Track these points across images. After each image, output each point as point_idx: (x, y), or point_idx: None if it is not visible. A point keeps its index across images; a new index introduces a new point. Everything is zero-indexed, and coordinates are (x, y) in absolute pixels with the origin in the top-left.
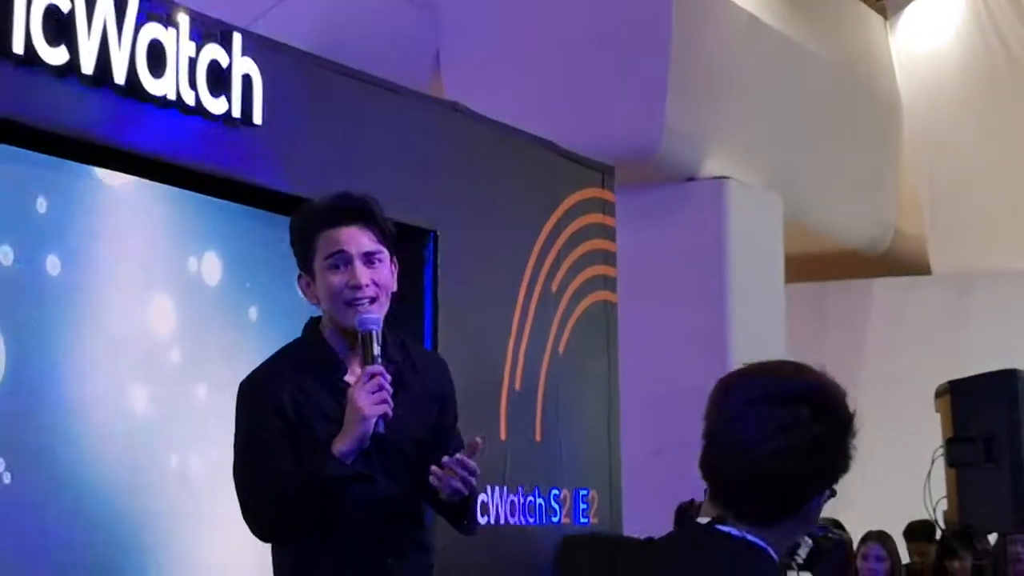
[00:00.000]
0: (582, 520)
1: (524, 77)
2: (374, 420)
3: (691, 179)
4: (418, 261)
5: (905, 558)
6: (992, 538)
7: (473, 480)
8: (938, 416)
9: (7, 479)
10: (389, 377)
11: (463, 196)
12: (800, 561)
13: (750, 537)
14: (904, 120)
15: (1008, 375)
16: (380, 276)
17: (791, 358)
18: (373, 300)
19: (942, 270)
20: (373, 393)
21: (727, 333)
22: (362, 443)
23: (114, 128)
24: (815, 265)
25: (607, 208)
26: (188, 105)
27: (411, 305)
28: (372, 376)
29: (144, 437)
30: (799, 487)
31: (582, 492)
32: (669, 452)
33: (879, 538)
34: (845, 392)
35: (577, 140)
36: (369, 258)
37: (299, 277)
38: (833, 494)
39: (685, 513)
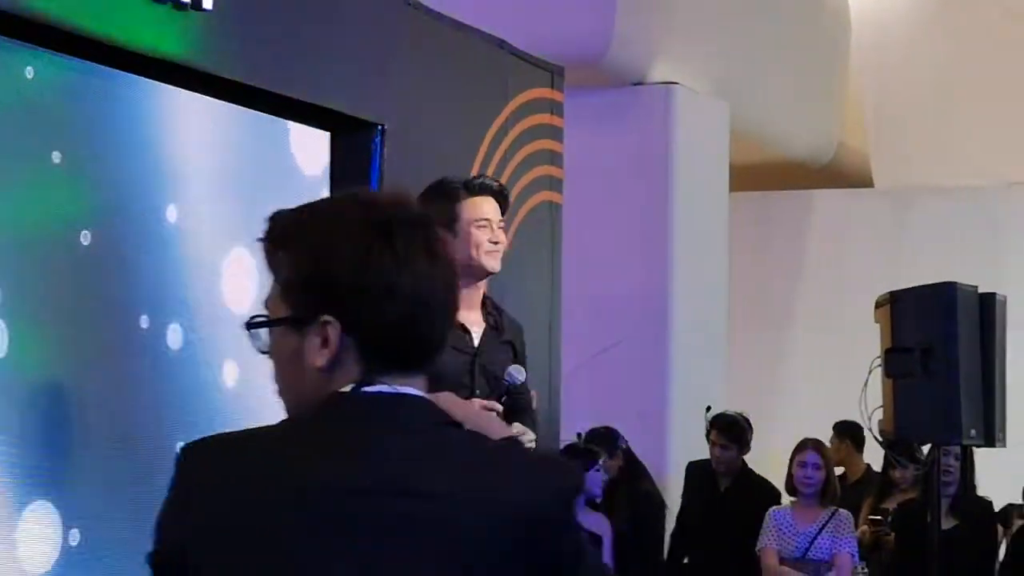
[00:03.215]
0: None
1: None
2: None
3: (638, 84)
4: (365, 154)
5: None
6: (926, 449)
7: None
8: (875, 328)
9: None
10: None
11: (412, 90)
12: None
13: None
14: (852, 34)
15: (947, 288)
16: (504, 239)
17: (732, 266)
18: (499, 252)
19: (884, 184)
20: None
21: (670, 239)
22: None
23: (59, 9)
24: (759, 174)
25: (555, 108)
26: None
27: None
28: (490, 408)
29: None
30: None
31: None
32: (608, 354)
33: (815, 446)
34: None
35: (526, 41)
36: (500, 224)
37: None
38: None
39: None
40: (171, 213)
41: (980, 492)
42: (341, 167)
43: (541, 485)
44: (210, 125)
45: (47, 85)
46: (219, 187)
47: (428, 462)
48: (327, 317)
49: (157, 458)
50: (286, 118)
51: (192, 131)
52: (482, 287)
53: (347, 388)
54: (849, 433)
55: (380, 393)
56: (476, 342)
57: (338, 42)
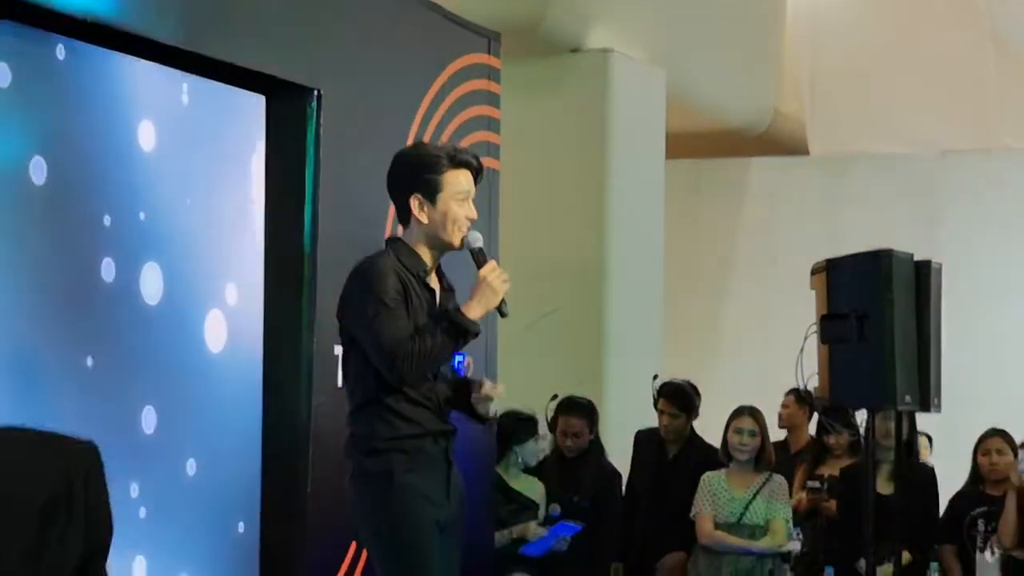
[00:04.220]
0: None
1: None
2: (501, 296)
3: (575, 51)
4: (300, 119)
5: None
6: (861, 414)
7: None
8: (810, 295)
9: None
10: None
11: (348, 56)
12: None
13: None
14: (788, 2)
15: (882, 255)
16: (476, 215)
17: (668, 234)
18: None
19: (819, 151)
20: (502, 280)
21: (606, 206)
22: (487, 312)
23: None
24: (695, 142)
25: (492, 74)
26: None
27: (292, 164)
28: (496, 269)
29: None
30: None
31: (458, 357)
32: (545, 321)
33: (751, 413)
34: None
35: (462, 6)
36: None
37: (412, 196)
38: None
39: None
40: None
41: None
42: (277, 132)
43: (40, 471)
44: None
45: None
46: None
47: None
48: None
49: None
50: (221, 82)
51: None
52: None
53: None
54: (809, 401)
55: None
56: (437, 302)
57: (274, 6)
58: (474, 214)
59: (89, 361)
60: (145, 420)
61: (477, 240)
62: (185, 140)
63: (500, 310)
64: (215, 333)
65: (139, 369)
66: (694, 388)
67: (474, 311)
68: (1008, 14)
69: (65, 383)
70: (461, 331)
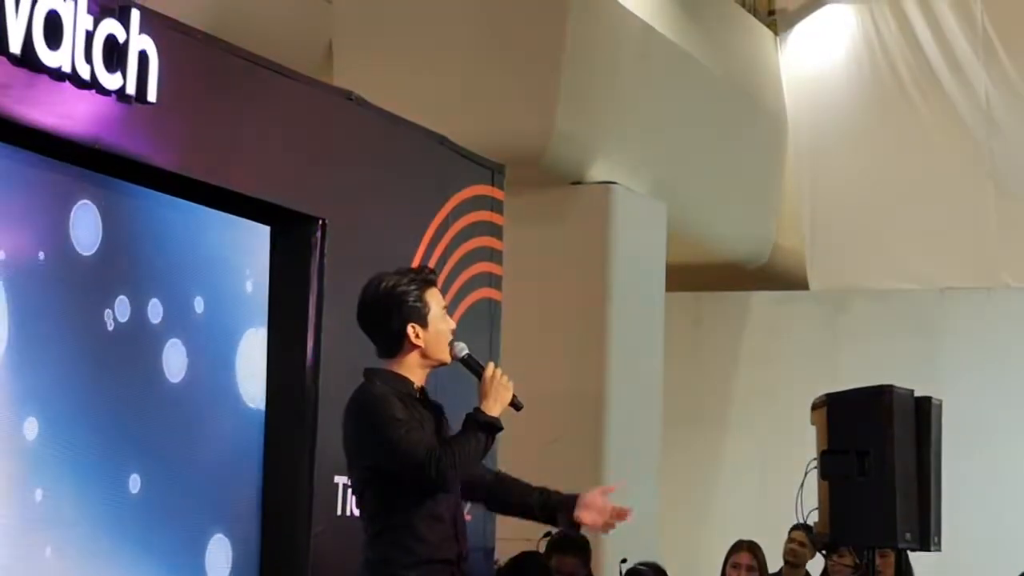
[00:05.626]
0: None
1: (416, 72)
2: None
3: (577, 183)
4: (305, 249)
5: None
6: None
7: None
8: (810, 430)
9: None
10: None
11: (353, 186)
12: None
13: None
14: (788, 136)
15: (883, 391)
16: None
17: (667, 367)
18: None
19: (819, 286)
20: (506, 378)
21: (606, 338)
22: (503, 408)
23: (6, 98)
24: (694, 275)
25: (496, 206)
26: (83, 79)
27: (297, 294)
28: (496, 368)
29: None
30: None
31: None
32: (547, 451)
33: (749, 547)
34: None
35: (466, 138)
36: None
37: (409, 325)
38: None
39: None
40: None
41: None
42: (281, 261)
43: None
44: None
45: None
46: None
47: None
48: None
49: None
50: (227, 212)
51: None
52: None
53: None
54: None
55: None
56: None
57: (280, 136)
58: (454, 324)
59: (135, 483)
60: (211, 555)
61: (463, 349)
62: None
63: (515, 404)
64: None
65: (204, 490)
66: (662, 572)
67: (492, 409)
68: (1007, 153)
69: (107, 510)
70: (492, 428)
